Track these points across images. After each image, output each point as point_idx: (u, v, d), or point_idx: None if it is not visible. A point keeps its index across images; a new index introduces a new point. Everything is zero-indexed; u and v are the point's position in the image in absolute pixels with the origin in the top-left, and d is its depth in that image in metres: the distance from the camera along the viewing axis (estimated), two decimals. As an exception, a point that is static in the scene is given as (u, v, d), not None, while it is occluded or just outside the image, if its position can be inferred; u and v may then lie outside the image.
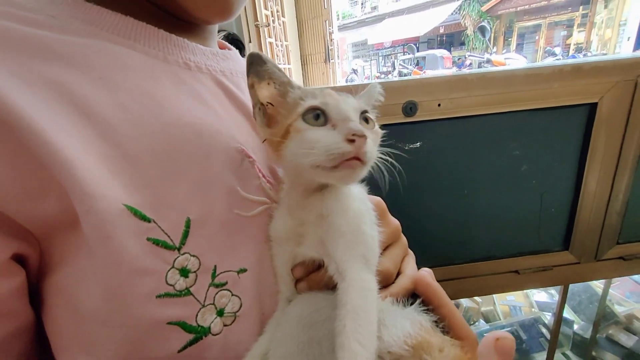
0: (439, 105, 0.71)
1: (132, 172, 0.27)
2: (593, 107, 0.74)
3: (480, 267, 0.89)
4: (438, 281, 0.96)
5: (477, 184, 0.80)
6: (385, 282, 0.33)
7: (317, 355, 0.27)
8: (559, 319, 1.06)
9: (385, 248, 0.36)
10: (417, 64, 9.92)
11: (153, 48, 0.32)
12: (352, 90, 0.35)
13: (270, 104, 0.33)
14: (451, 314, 0.32)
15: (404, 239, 0.40)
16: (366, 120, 0.32)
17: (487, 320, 1.39)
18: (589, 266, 0.91)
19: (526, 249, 0.88)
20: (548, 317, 1.34)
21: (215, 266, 0.30)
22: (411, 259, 0.39)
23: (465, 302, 1.40)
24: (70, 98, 0.26)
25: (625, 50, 8.21)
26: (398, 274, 0.36)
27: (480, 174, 0.79)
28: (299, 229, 0.32)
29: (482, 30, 6.16)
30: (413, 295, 0.34)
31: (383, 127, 0.78)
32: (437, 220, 0.84)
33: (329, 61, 4.17)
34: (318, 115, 0.30)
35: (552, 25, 11.01)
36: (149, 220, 0.26)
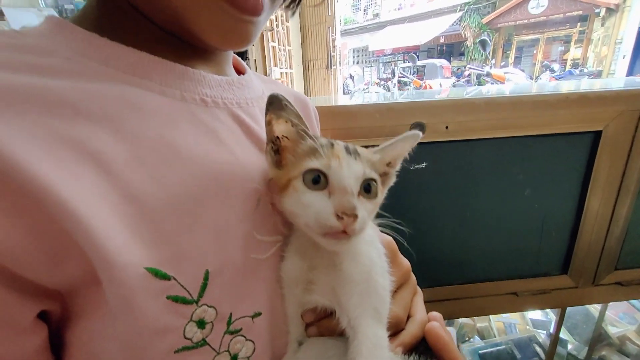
0: (447, 127, 0.71)
1: (151, 228, 0.26)
2: (597, 134, 0.74)
3: (479, 288, 0.89)
4: (437, 301, 0.95)
5: (479, 206, 0.80)
6: (395, 328, 0.33)
7: None
8: (555, 341, 1.06)
9: (396, 290, 0.35)
10: (417, 72, 10.01)
11: (169, 87, 0.31)
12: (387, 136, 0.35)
13: (285, 139, 0.32)
14: None
15: (413, 278, 0.39)
16: (368, 188, 0.31)
17: (482, 337, 1.39)
18: (586, 290, 0.92)
19: (525, 272, 0.88)
20: (542, 336, 1.35)
21: (230, 314, 0.29)
22: (420, 298, 0.39)
23: (461, 318, 1.40)
24: (91, 156, 0.25)
25: (620, 68, 8.37)
26: (408, 317, 0.35)
27: (483, 196, 0.79)
28: (309, 274, 0.32)
29: (483, 44, 6.24)
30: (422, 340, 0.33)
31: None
32: (438, 240, 0.84)
33: (331, 67, 4.18)
34: (318, 178, 0.30)
35: (550, 40, 11.19)
36: (169, 278, 0.26)
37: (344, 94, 7.20)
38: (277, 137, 0.32)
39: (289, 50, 3.63)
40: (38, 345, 0.24)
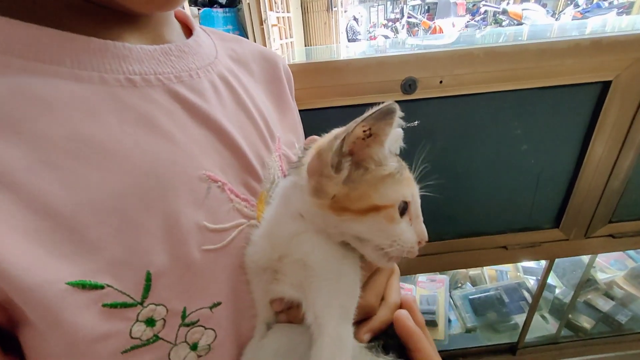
0: (441, 82, 0.66)
1: (73, 238, 0.23)
2: (606, 85, 0.69)
3: (469, 243, 0.91)
4: (427, 255, 0.98)
5: (473, 163, 0.78)
6: (367, 315, 0.32)
7: None
8: (542, 286, 1.11)
9: (369, 276, 0.34)
10: (428, 11, 9.16)
11: (85, 69, 0.26)
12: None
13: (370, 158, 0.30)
14: None
15: None
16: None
17: (473, 284, 1.47)
18: (577, 242, 0.93)
19: (516, 226, 0.89)
20: (532, 282, 1.41)
21: (184, 308, 0.28)
22: (395, 279, 0.37)
23: (450, 270, 1.46)
24: None
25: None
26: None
27: (477, 153, 0.76)
28: (277, 263, 0.31)
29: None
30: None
31: (378, 104, 0.73)
32: (429, 198, 0.84)
33: (332, 9, 3.84)
34: (406, 206, 0.30)
35: (579, -34, 9.95)
36: (102, 287, 0.24)
37: (348, 39, 6.71)
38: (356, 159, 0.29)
39: (285, -9, 3.31)
40: None
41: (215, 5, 2.62)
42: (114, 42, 0.27)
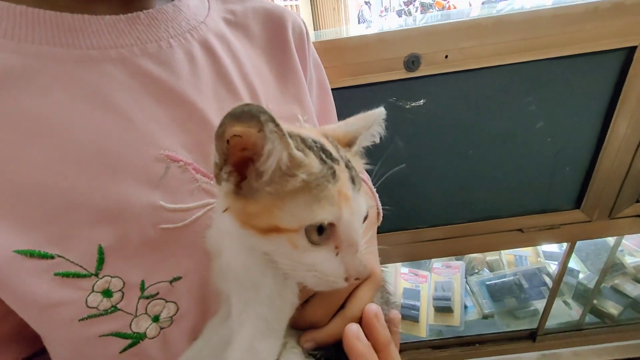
0: (446, 57, 0.63)
1: (22, 213, 0.24)
2: (630, 52, 0.63)
3: (482, 226, 0.88)
4: (439, 240, 0.95)
5: (484, 142, 0.74)
6: (314, 327, 0.28)
7: None
8: (563, 270, 1.07)
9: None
10: (443, -10, 8.76)
11: (39, 43, 0.25)
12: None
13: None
14: None
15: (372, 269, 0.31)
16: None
17: (491, 270, 1.42)
18: (600, 224, 0.88)
19: (533, 208, 0.85)
20: (553, 267, 1.36)
21: (142, 281, 0.28)
22: (367, 287, 0.31)
23: (464, 255, 1.42)
24: None
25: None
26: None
27: (488, 132, 0.73)
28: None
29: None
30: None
31: (381, 84, 0.70)
32: (440, 179, 0.81)
33: (341, -6, 3.74)
34: (322, 228, 0.22)
35: None
36: (52, 257, 0.25)
37: (359, 24, 6.54)
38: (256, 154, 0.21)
39: (293, -23, 3.25)
40: None
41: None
42: (72, 14, 0.26)
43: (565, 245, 1.06)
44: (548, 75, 0.66)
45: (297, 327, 0.28)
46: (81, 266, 0.26)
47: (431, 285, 1.35)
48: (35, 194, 0.24)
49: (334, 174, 0.22)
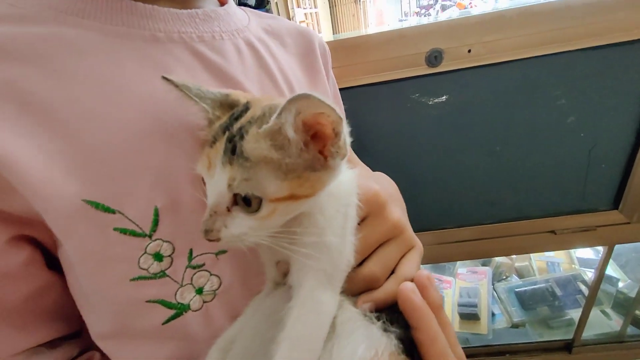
0: (469, 51, 0.61)
1: (91, 166, 0.27)
2: (671, 39, 0.59)
3: (511, 228, 0.84)
4: (465, 241, 0.92)
5: (511, 138, 0.72)
6: (370, 287, 0.30)
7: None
8: (600, 277, 1.00)
9: (379, 246, 0.32)
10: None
11: (115, 24, 0.30)
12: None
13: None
14: (429, 342, 0.26)
15: (407, 233, 0.34)
16: (248, 200, 0.24)
17: (520, 276, 1.36)
18: (641, 226, 0.82)
19: (565, 209, 0.81)
20: (589, 275, 1.27)
21: (191, 249, 0.30)
22: (414, 255, 0.34)
23: (493, 257, 1.37)
24: (20, 97, 0.25)
25: None
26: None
27: (516, 127, 0.70)
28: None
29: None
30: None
31: (403, 81, 0.70)
32: (465, 178, 0.79)
33: (360, 0, 3.77)
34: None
35: None
36: (113, 212, 0.27)
37: (378, 30, 6.53)
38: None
39: (312, -13, 3.32)
40: (22, 261, 0.27)
41: (245, 7, 2.71)
42: (144, 4, 0.31)
43: (601, 250, 1.00)
44: (578, 67, 0.64)
45: (352, 290, 0.29)
46: (137, 225, 0.28)
47: (456, 291, 1.30)
48: (104, 151, 0.27)
49: (221, 132, 0.25)
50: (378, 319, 0.27)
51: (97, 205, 0.26)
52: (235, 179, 0.23)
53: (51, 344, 0.31)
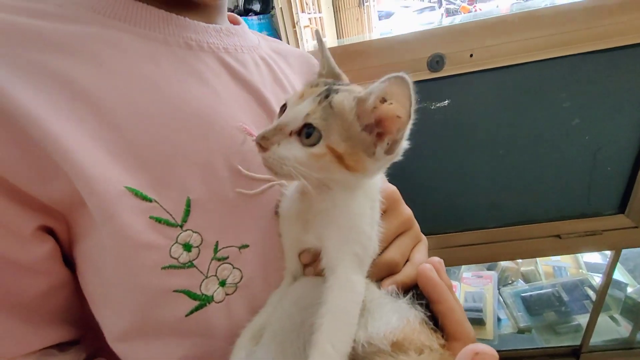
0: (471, 55, 0.62)
1: (132, 155, 0.28)
2: (675, 42, 0.59)
3: (516, 232, 0.84)
4: (469, 245, 0.92)
5: (515, 142, 0.72)
6: (391, 271, 0.33)
7: (307, 336, 0.28)
8: (608, 281, 0.99)
9: (395, 237, 0.36)
10: (469, -4, 8.61)
11: (153, 30, 0.33)
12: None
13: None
14: (449, 312, 0.31)
15: (416, 227, 0.39)
16: (309, 134, 0.29)
17: (526, 281, 1.34)
18: (649, 230, 0.81)
19: (571, 213, 0.80)
20: (597, 279, 1.26)
21: (217, 242, 0.31)
22: (423, 246, 0.38)
23: (497, 261, 1.35)
24: (71, 87, 0.27)
25: None
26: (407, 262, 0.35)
27: (520, 131, 0.70)
28: (307, 215, 0.32)
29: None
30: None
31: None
32: (469, 182, 0.79)
33: (363, 4, 3.78)
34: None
35: None
36: (150, 200, 0.28)
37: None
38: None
39: (316, -8, 3.34)
40: (45, 253, 0.28)
41: (250, 14, 2.75)
42: (177, 15, 0.35)
43: (609, 254, 0.98)
44: (582, 71, 0.63)
45: (375, 274, 0.32)
46: (171, 215, 0.29)
47: (461, 295, 1.29)
48: (145, 141, 0.29)
49: (316, 85, 0.31)
50: (402, 296, 0.31)
51: (136, 193, 0.27)
52: (316, 112, 0.28)
53: (60, 347, 0.31)
